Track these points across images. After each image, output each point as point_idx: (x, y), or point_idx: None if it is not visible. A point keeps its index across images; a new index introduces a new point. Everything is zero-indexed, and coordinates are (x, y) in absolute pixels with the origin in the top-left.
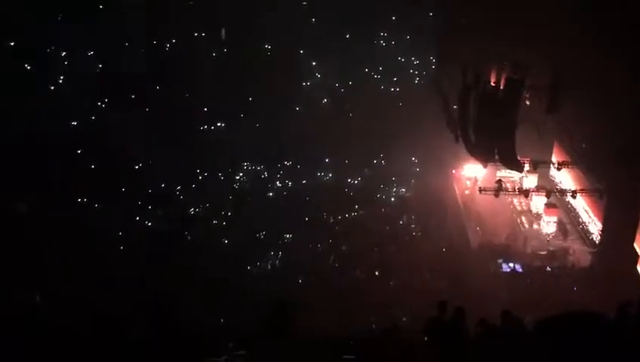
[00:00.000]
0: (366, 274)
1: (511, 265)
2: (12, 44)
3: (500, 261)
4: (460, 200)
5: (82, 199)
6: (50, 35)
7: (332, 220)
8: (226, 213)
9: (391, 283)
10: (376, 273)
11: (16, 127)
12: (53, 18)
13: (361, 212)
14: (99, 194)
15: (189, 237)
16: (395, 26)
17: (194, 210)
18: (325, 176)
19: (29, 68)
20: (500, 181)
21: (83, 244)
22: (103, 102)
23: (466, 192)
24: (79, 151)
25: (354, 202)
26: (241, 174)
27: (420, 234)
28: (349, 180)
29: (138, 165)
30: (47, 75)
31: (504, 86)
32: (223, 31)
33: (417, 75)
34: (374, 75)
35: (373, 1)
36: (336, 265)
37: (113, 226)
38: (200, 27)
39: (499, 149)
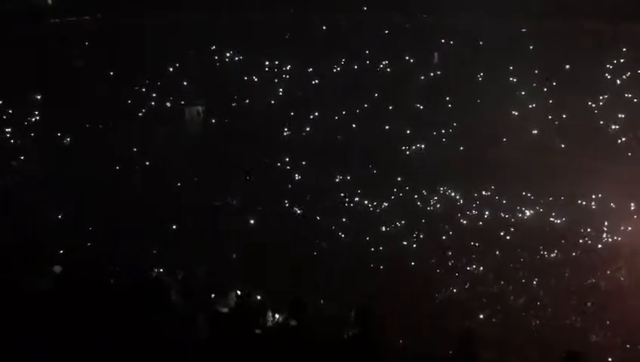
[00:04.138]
0: (560, 322)
1: None
2: (244, 57)
3: None
4: None
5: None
6: (272, 51)
7: (527, 259)
8: (418, 235)
9: (592, 338)
10: (577, 323)
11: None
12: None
13: (562, 255)
14: (298, 202)
15: (376, 253)
16: (627, 56)
17: (385, 228)
18: (525, 211)
19: (255, 79)
20: None
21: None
22: (314, 115)
23: None
24: (287, 159)
25: (554, 243)
26: (436, 198)
27: (629, 289)
28: (551, 219)
29: (337, 177)
30: (268, 86)
31: None
32: (436, 55)
33: None
34: (594, 109)
35: (604, 30)
36: (528, 307)
37: (308, 234)
38: (412, 50)
39: None
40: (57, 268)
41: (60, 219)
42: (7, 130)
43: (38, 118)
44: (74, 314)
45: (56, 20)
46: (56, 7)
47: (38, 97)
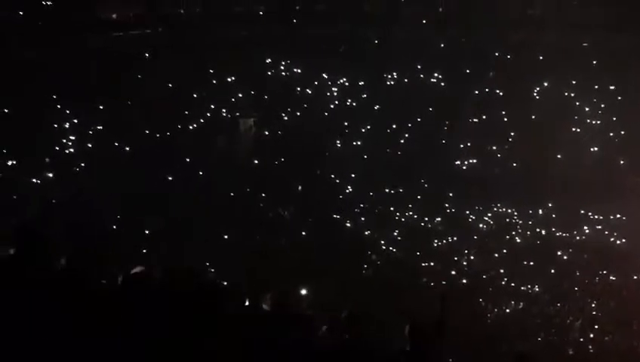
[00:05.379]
0: (619, 347)
1: None
2: (298, 70)
3: None
4: None
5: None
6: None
7: (586, 280)
8: (470, 252)
9: None
10: (637, 349)
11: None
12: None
13: (622, 277)
14: (349, 214)
15: (426, 269)
16: None
17: (437, 243)
18: (584, 230)
19: (309, 92)
20: None
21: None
22: (366, 128)
23: None
24: (339, 172)
25: (614, 265)
26: (489, 214)
27: None
28: (612, 239)
29: (388, 191)
30: (321, 99)
31: None
32: (492, 69)
33: None
34: None
35: None
36: (585, 331)
37: (358, 247)
38: (467, 63)
39: None
40: (115, 273)
41: (117, 225)
42: (71, 137)
43: (100, 127)
44: (127, 316)
45: (120, 34)
46: (120, 21)
47: (101, 107)
